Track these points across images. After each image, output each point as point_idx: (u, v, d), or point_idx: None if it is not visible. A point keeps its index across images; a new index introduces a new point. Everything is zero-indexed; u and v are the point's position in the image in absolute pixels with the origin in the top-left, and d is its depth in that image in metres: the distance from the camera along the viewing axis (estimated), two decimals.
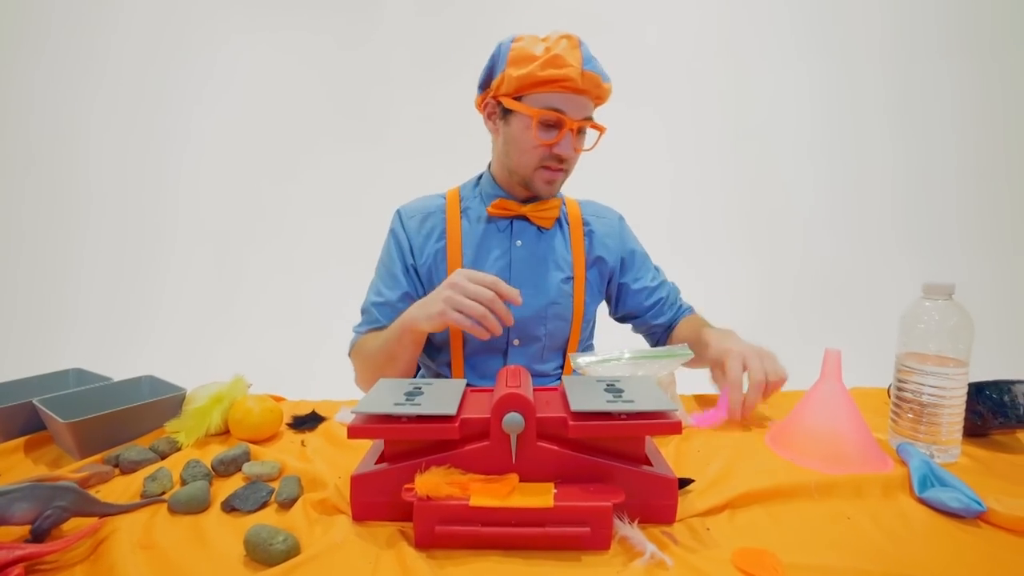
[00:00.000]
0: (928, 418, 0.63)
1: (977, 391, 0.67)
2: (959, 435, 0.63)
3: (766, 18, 2.31)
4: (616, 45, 2.22)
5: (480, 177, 0.96)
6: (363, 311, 0.93)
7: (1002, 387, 0.67)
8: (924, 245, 2.29)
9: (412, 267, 0.92)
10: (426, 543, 0.47)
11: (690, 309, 1.02)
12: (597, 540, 0.46)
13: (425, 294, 0.88)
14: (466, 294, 0.67)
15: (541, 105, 0.80)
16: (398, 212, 0.96)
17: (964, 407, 0.63)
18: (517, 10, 2.11)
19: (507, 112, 0.85)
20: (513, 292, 0.68)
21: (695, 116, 2.35)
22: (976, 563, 0.45)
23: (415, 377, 1.02)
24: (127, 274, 2.30)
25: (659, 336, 1.01)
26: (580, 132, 0.84)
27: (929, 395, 0.62)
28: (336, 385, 0.95)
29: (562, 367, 0.93)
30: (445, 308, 0.68)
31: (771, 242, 2.36)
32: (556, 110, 0.79)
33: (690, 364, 0.78)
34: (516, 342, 0.90)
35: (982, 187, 2.28)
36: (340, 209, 2.32)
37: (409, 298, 0.89)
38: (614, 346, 0.79)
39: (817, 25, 2.30)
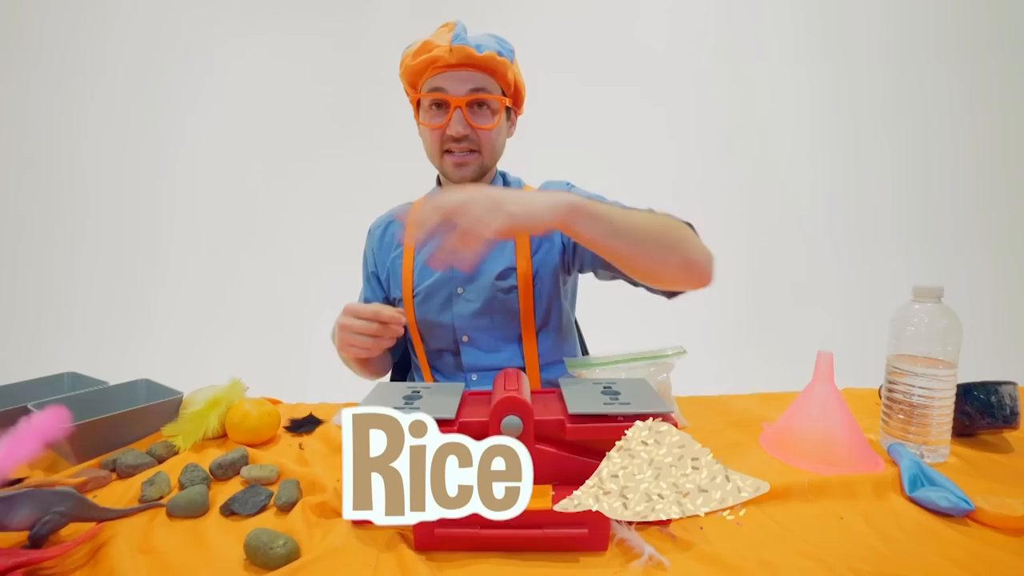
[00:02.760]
0: (918, 419, 0.64)
1: (965, 392, 0.69)
2: (948, 435, 0.64)
3: (765, 20, 2.33)
4: (613, 47, 2.24)
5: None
6: None
7: (989, 388, 0.68)
8: (919, 247, 2.32)
9: (374, 274, 0.98)
10: (425, 546, 0.47)
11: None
12: (595, 541, 0.47)
13: (386, 299, 0.95)
14: (353, 331, 0.73)
15: (425, 90, 0.81)
16: (369, 230, 1.01)
17: (953, 408, 0.64)
18: (510, 11, 2.12)
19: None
20: (393, 314, 0.73)
21: (695, 116, 2.36)
22: (965, 560, 0.46)
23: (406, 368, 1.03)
24: (122, 277, 2.29)
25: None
26: (478, 107, 0.82)
27: (919, 396, 0.64)
28: (333, 388, 0.95)
29: (521, 355, 0.89)
30: (340, 351, 0.78)
31: (768, 242, 2.38)
32: (435, 90, 0.80)
33: None
34: (465, 339, 0.89)
35: (977, 190, 2.31)
36: (336, 211, 2.31)
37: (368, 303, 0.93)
38: (610, 348, 0.79)
39: (816, 28, 2.33)
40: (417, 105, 0.86)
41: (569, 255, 0.90)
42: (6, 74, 2.17)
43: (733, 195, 2.37)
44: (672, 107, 2.33)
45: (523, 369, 0.89)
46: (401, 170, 2.14)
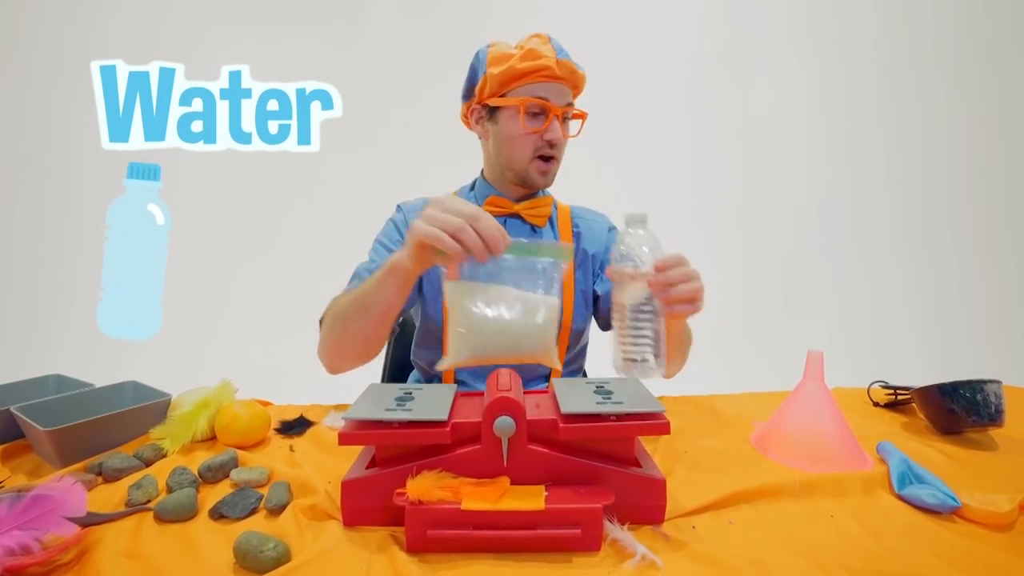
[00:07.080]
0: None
1: (952, 390, 0.70)
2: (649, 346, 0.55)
3: (762, 21, 2.35)
4: (609, 47, 2.25)
5: (475, 182, 0.98)
6: (350, 279, 0.87)
7: (975, 387, 0.69)
8: (911, 247, 2.35)
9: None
10: (418, 547, 0.47)
11: None
12: (588, 542, 0.47)
13: (419, 291, 0.91)
14: (443, 209, 0.55)
15: (525, 95, 0.84)
16: (399, 205, 0.96)
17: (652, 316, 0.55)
18: (503, 11, 2.12)
19: (494, 112, 0.88)
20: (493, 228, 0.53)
21: (691, 116, 2.37)
22: (952, 556, 0.46)
23: (406, 379, 1.02)
24: None
25: None
26: (564, 119, 0.88)
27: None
28: (324, 389, 0.94)
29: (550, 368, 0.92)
30: (415, 226, 0.55)
31: (761, 242, 2.40)
32: (540, 98, 0.83)
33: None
34: None
35: (970, 191, 2.35)
36: (327, 213, 2.30)
37: None
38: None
39: (812, 29, 2.35)
40: (486, 109, 0.88)
41: (598, 290, 0.95)
42: (5, 74, 2.14)
43: (728, 195, 2.39)
44: (668, 107, 2.35)
45: (547, 378, 0.91)
46: (391, 171, 2.14)
